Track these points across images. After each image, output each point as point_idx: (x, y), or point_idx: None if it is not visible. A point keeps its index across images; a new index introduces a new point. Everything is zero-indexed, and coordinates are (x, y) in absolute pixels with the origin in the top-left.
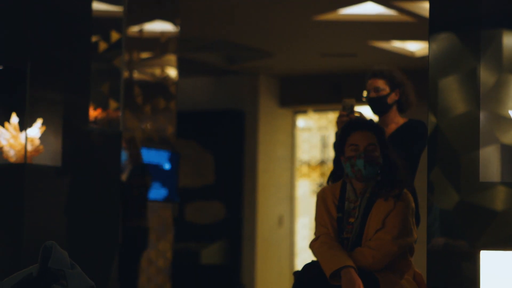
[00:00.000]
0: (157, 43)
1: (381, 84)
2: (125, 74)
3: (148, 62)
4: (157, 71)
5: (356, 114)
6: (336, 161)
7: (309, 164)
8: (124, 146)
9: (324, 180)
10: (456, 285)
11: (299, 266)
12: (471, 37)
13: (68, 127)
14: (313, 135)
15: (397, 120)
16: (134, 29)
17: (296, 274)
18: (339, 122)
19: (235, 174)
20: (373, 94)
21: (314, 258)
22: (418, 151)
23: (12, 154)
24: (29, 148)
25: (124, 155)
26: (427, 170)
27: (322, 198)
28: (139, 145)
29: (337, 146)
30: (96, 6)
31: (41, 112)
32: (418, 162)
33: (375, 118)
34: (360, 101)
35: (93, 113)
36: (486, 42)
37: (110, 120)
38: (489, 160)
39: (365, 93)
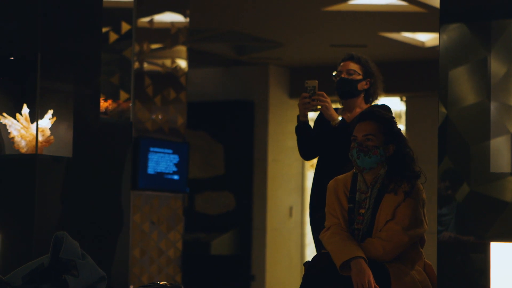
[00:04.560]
0: (167, 34)
1: (356, 68)
2: (136, 65)
3: (158, 53)
4: (167, 62)
5: (323, 100)
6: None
7: None
8: None
9: None
10: (466, 276)
11: (309, 256)
12: (481, 27)
13: (78, 118)
14: None
15: (362, 106)
16: (144, 20)
17: (307, 264)
18: (300, 104)
19: (245, 165)
20: (345, 75)
21: (325, 249)
22: None
23: (23, 144)
24: (40, 138)
25: None
26: (437, 161)
27: (333, 188)
28: None
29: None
30: None
31: (52, 103)
32: None
33: (339, 102)
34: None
35: (104, 104)
36: (497, 33)
37: (121, 111)
38: (500, 151)
39: (335, 73)
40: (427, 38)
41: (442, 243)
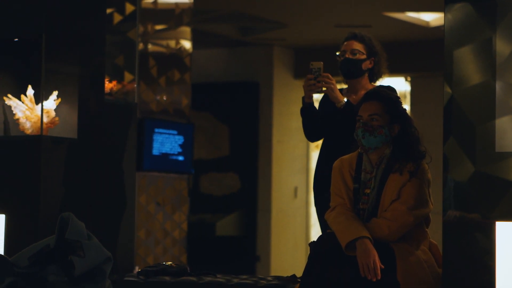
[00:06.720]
0: (172, 14)
1: (360, 47)
2: (140, 46)
3: (163, 34)
4: (172, 43)
5: (328, 81)
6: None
7: None
8: None
9: None
10: (471, 256)
11: (314, 237)
12: (486, 6)
13: (83, 99)
14: None
15: (367, 87)
16: (149, 0)
17: (312, 244)
18: (305, 86)
19: (250, 146)
20: (349, 55)
21: (330, 229)
22: None
23: (28, 126)
24: (45, 120)
25: None
26: (442, 141)
27: (338, 168)
28: None
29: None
30: None
31: (57, 84)
32: None
33: (343, 82)
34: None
35: (108, 85)
36: (502, 12)
37: (125, 92)
38: (505, 130)
39: (339, 52)
40: (432, 17)
41: (447, 223)
